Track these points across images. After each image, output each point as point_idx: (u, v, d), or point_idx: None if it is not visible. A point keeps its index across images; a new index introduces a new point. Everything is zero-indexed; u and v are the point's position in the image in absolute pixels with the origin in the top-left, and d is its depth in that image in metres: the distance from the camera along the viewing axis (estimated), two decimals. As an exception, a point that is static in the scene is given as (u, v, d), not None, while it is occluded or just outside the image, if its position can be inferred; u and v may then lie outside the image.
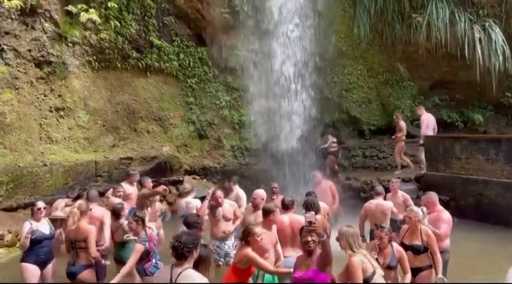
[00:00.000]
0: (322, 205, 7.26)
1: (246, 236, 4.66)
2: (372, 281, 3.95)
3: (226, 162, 12.60)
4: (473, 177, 10.09)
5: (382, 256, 4.80)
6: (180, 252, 3.41)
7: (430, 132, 11.79)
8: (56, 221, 7.12)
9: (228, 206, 6.77)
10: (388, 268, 4.74)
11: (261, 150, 12.29)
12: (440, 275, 5.13)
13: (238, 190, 7.85)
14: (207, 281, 3.39)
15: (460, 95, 13.68)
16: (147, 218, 7.04)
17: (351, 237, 4.06)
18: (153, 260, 5.27)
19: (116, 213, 6.17)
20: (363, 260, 3.95)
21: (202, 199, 10.11)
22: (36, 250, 5.57)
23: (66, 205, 7.65)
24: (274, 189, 7.58)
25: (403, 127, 12.15)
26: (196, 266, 3.57)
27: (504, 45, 11.85)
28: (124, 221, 6.15)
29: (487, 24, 12.05)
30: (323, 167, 11.62)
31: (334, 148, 12.50)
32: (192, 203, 7.14)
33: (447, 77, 13.56)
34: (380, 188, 7.37)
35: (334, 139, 12.63)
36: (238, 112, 12.83)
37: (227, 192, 7.75)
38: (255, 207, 6.20)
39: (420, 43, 12.43)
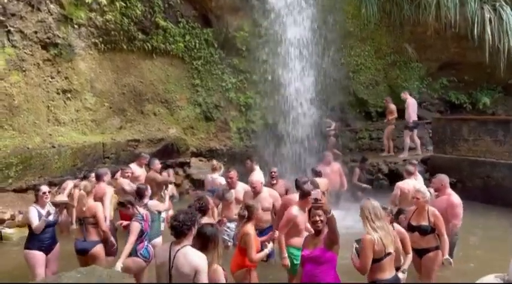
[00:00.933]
0: (321, 180, 7.29)
1: (250, 213, 4.77)
2: (383, 262, 3.98)
3: (232, 144, 12.60)
4: (480, 158, 10.07)
5: None
6: (179, 230, 3.48)
7: (415, 117, 11.87)
8: (58, 206, 7.26)
9: (241, 189, 6.76)
10: None
11: (267, 133, 12.26)
12: (446, 256, 5.14)
13: (258, 171, 7.90)
14: (205, 259, 3.46)
15: (468, 77, 13.55)
16: (167, 198, 7.13)
17: (366, 209, 4.05)
18: (145, 242, 5.26)
19: (140, 194, 6.27)
20: (376, 240, 3.92)
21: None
22: (40, 237, 5.49)
23: (75, 186, 7.79)
24: (273, 174, 7.17)
25: (394, 110, 12.18)
26: (206, 245, 3.62)
27: (515, 26, 11.67)
28: (148, 202, 6.26)
29: (497, 4, 11.87)
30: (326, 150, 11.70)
31: (333, 131, 12.48)
32: (218, 179, 7.87)
33: (456, 58, 13.42)
34: (412, 167, 7.26)
35: (333, 123, 12.60)
36: (244, 94, 12.78)
37: (249, 172, 7.87)
38: (257, 194, 6.23)
39: (429, 23, 12.28)
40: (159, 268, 3.56)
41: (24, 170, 8.98)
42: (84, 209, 5.60)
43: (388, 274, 4.02)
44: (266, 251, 4.74)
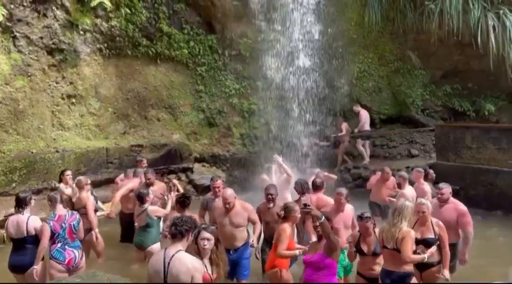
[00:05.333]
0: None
1: (286, 212, 4.83)
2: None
3: (235, 150, 12.62)
4: (484, 166, 10.02)
5: (366, 244, 4.78)
6: (179, 229, 3.49)
7: (368, 127, 12.44)
8: None
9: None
10: (373, 254, 4.76)
11: (269, 139, 12.28)
12: (447, 270, 4.92)
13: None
14: (200, 262, 3.47)
15: (472, 84, 13.54)
16: (169, 204, 7.01)
17: (400, 206, 4.57)
18: (58, 244, 5.20)
19: (140, 198, 6.27)
20: (380, 230, 4.55)
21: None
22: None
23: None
24: (270, 197, 5.82)
25: (345, 128, 12.34)
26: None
27: (519, 33, 11.66)
28: (148, 207, 6.25)
29: (501, 11, 11.87)
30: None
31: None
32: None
33: (459, 66, 13.42)
34: (405, 173, 7.50)
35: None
36: (247, 100, 12.81)
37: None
38: (228, 211, 5.53)
39: (432, 31, 12.30)
40: (153, 277, 3.49)
41: (28, 174, 9.03)
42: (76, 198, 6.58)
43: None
44: (296, 252, 4.73)
